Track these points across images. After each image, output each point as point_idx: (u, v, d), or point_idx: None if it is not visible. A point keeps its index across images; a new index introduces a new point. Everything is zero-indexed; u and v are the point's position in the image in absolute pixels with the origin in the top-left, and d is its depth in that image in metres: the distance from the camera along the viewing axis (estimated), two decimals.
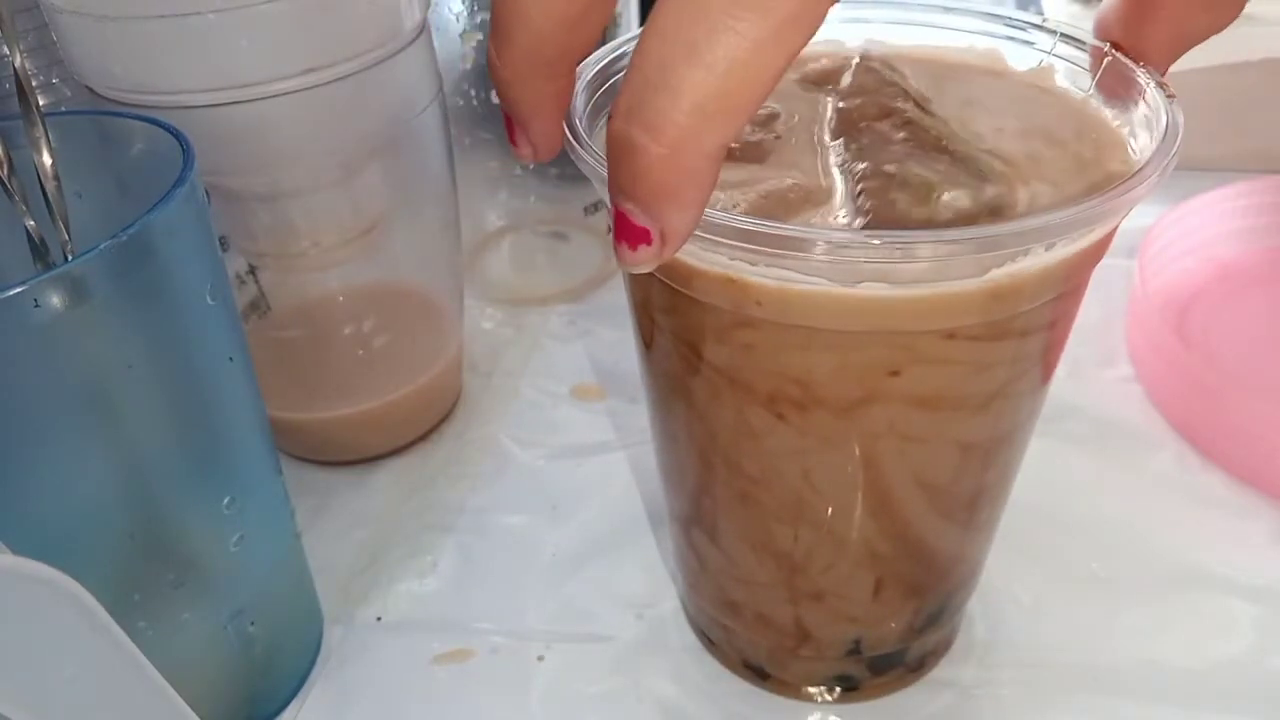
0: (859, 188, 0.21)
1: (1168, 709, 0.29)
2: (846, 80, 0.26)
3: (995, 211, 0.21)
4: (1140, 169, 0.20)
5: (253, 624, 0.28)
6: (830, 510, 0.25)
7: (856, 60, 0.26)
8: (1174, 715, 0.29)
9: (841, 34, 0.28)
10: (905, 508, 0.25)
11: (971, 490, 0.25)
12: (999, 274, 0.19)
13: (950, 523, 0.26)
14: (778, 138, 0.24)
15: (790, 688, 0.30)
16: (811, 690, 0.30)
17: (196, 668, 0.27)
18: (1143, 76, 0.23)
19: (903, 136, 0.23)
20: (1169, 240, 0.43)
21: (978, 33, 0.26)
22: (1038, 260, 0.20)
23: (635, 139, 0.16)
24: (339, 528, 0.36)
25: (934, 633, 0.29)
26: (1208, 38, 0.22)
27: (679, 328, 0.23)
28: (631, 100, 0.16)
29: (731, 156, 0.23)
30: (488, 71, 0.20)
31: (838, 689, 0.30)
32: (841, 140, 0.23)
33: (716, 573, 0.28)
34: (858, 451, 0.23)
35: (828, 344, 0.21)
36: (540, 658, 0.31)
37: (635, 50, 0.16)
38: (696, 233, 0.18)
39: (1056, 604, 0.32)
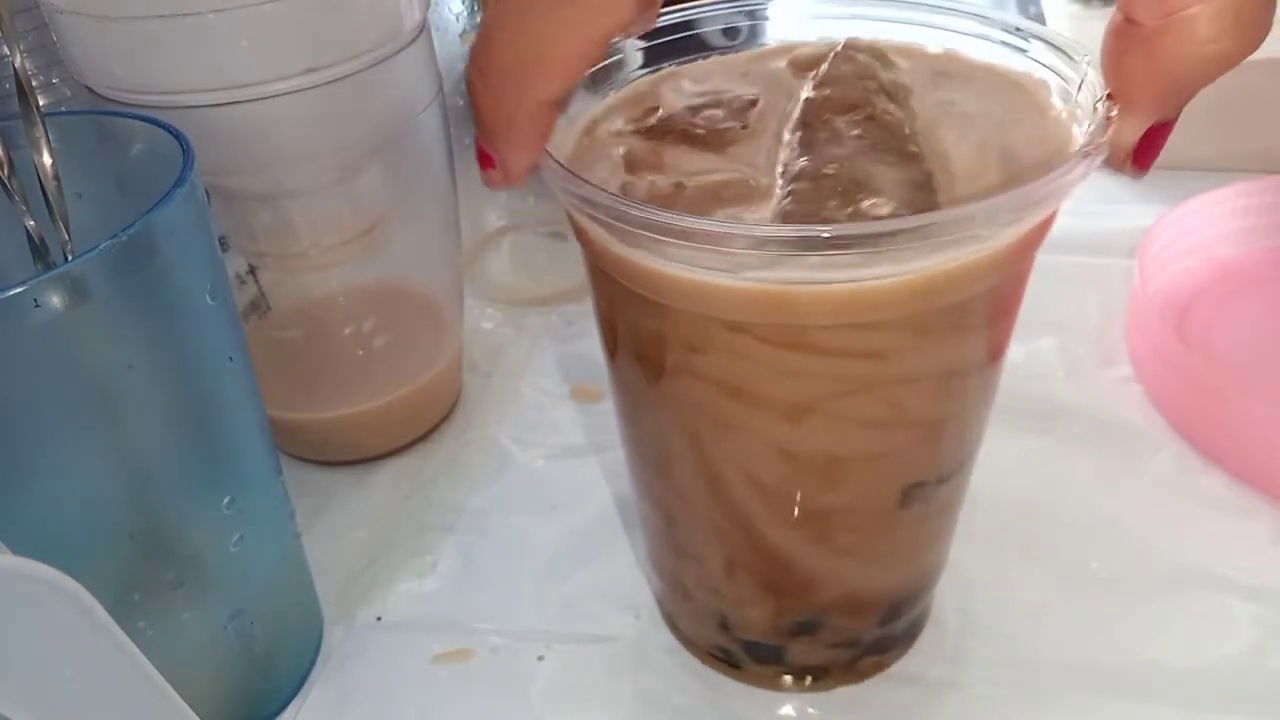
0: (789, 189, 0.22)
1: (1167, 709, 0.29)
2: (823, 68, 0.25)
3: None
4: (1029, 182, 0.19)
5: (253, 624, 0.28)
6: (682, 473, 0.26)
7: (839, 47, 0.26)
8: (1173, 715, 0.29)
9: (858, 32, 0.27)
10: (742, 503, 0.25)
11: (821, 508, 0.25)
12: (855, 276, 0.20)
13: (796, 533, 0.26)
14: (745, 127, 0.24)
15: (767, 679, 0.30)
16: (786, 679, 0.30)
17: (196, 668, 0.27)
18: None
19: (856, 134, 0.23)
20: (1169, 240, 0.43)
21: (974, 35, 0.26)
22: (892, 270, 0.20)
23: (472, 82, 0.20)
24: (339, 528, 0.36)
25: (809, 642, 0.29)
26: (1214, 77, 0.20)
27: (635, 319, 0.24)
28: (475, 49, 0.20)
29: (695, 142, 0.24)
30: (478, 107, 0.21)
31: (808, 678, 0.30)
32: (798, 134, 0.23)
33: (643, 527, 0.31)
34: (688, 424, 0.24)
35: (651, 311, 0.23)
36: (540, 658, 0.31)
37: (484, 11, 0.18)
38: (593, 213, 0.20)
39: (1056, 604, 0.32)
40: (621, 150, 0.24)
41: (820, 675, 0.30)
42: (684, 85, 0.26)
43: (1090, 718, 0.29)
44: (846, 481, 0.24)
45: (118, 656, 0.18)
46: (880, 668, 0.30)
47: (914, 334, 0.21)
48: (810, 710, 0.30)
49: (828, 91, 0.24)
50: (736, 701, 0.30)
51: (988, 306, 0.22)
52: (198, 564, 0.26)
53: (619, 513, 0.36)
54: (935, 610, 0.32)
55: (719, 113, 0.25)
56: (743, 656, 0.30)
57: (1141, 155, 0.21)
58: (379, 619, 0.33)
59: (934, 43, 0.27)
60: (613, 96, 0.27)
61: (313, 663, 0.32)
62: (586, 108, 0.26)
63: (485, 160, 0.22)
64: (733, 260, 0.19)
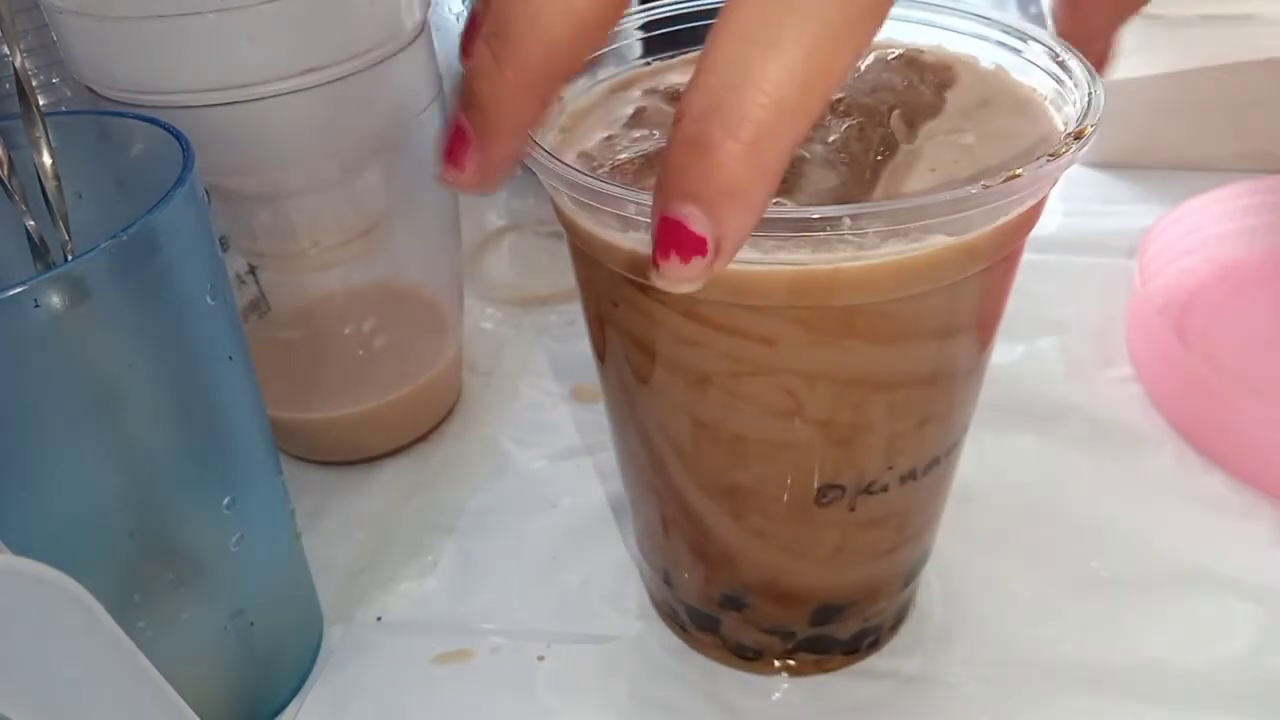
0: None
1: (1167, 709, 0.29)
2: (860, 68, 0.25)
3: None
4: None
5: (253, 624, 0.28)
6: (623, 426, 0.28)
7: (895, 53, 0.26)
8: (1173, 715, 0.29)
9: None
10: (666, 461, 0.26)
11: (732, 483, 0.26)
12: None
13: (712, 503, 0.26)
14: None
15: (708, 648, 0.31)
16: (726, 654, 0.31)
17: (196, 668, 0.27)
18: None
19: (833, 139, 0.23)
20: (1169, 240, 0.43)
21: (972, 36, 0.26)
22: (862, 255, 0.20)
23: (712, 137, 0.16)
24: (339, 528, 0.36)
25: (739, 619, 0.29)
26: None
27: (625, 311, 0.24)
28: (708, 100, 0.16)
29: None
30: (466, 80, 0.19)
31: (744, 657, 0.31)
32: None
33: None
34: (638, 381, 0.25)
35: (586, 264, 0.24)
36: (540, 658, 0.31)
37: (705, 53, 0.16)
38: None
39: (1056, 604, 0.32)
40: (631, 109, 0.25)
41: (754, 657, 0.30)
42: None
43: (1090, 717, 0.29)
44: (752, 463, 0.25)
45: (118, 656, 0.18)
46: (821, 667, 0.31)
47: (802, 328, 0.22)
48: (811, 708, 0.30)
49: (842, 94, 0.24)
50: (737, 700, 0.30)
51: (877, 324, 0.22)
52: (198, 564, 0.26)
53: (619, 512, 0.36)
54: (941, 611, 0.32)
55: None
56: (686, 619, 0.31)
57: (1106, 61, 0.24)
58: (379, 619, 0.33)
59: (988, 59, 0.26)
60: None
61: (313, 663, 0.32)
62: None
63: (457, 158, 0.19)
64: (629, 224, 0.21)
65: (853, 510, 0.26)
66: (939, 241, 0.20)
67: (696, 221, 0.16)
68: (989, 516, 0.33)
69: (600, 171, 0.23)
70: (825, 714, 0.29)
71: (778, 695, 0.30)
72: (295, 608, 0.31)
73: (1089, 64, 0.23)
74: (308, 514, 0.36)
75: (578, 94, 0.27)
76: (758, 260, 0.20)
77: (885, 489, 0.26)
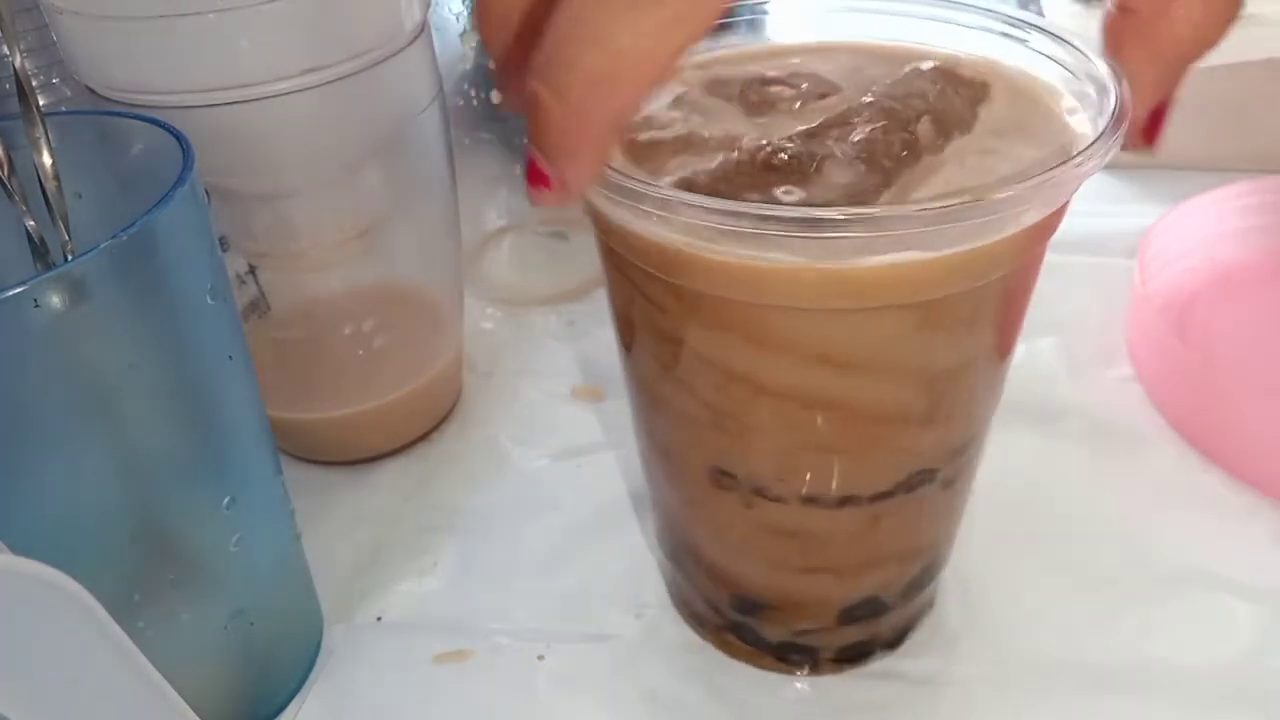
0: (727, 155, 0.23)
1: (1167, 709, 0.29)
2: (900, 74, 0.25)
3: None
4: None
5: (253, 624, 0.28)
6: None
7: (931, 62, 0.26)
8: (1173, 715, 0.29)
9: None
10: (685, 444, 0.26)
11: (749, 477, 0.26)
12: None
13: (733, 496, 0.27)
14: (799, 104, 0.25)
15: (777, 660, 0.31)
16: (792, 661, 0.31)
17: (196, 668, 0.27)
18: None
19: (855, 139, 0.23)
20: (1169, 240, 0.43)
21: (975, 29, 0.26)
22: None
23: (542, 98, 0.18)
24: (339, 528, 0.36)
25: (756, 614, 0.30)
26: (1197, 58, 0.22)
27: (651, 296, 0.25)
28: (543, 64, 0.18)
29: (744, 104, 0.25)
30: (547, 124, 0.19)
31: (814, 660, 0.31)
32: (816, 123, 0.24)
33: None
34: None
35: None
36: (540, 657, 0.31)
37: (551, 21, 0.18)
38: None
39: (1056, 604, 0.32)
40: (676, 92, 0.26)
41: (769, 653, 0.31)
42: (787, 60, 0.27)
43: (1090, 717, 0.29)
44: (771, 460, 0.25)
45: (118, 656, 0.18)
46: (835, 668, 0.31)
47: (817, 327, 0.22)
48: (812, 707, 0.30)
49: (869, 99, 0.24)
50: (738, 699, 0.30)
51: (888, 328, 0.22)
52: (198, 564, 0.26)
53: (619, 512, 0.36)
54: (935, 608, 0.32)
55: (784, 89, 0.26)
56: (703, 613, 0.31)
57: (1152, 131, 0.23)
58: (379, 619, 0.33)
59: (1022, 70, 0.26)
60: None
61: (313, 663, 0.32)
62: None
63: (539, 179, 0.20)
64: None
65: (873, 510, 0.26)
66: (950, 248, 0.20)
67: (542, 164, 0.19)
68: (988, 515, 0.33)
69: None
70: (834, 713, 0.29)
71: (785, 693, 0.30)
72: (295, 608, 0.31)
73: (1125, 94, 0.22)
74: (308, 514, 0.36)
75: None
76: (757, 257, 0.20)
77: (909, 490, 0.26)
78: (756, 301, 0.22)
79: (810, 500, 0.25)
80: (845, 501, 0.25)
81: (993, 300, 0.23)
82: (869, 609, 0.29)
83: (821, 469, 0.25)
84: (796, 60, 0.27)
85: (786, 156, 0.22)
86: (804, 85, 0.26)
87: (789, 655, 0.30)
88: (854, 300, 0.21)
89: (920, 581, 0.30)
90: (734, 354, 0.23)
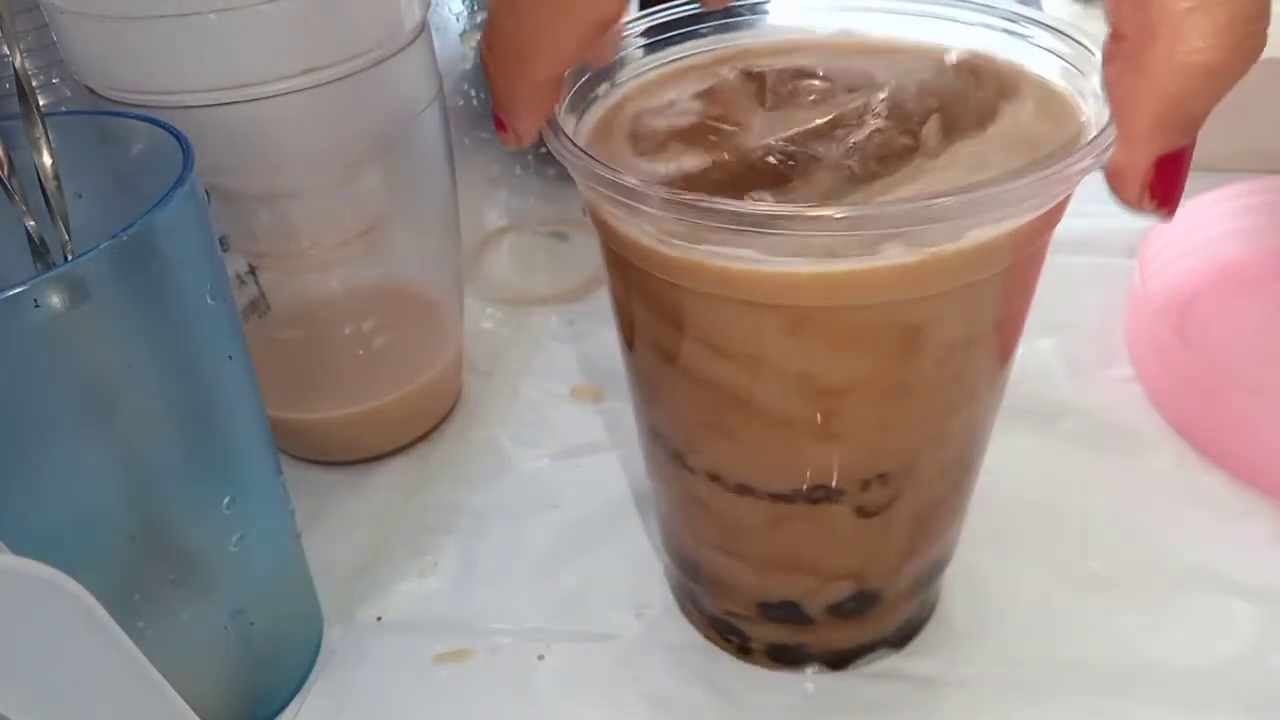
0: (720, 154, 0.23)
1: (1166, 709, 0.29)
2: (920, 68, 0.25)
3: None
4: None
5: (253, 624, 0.28)
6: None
7: (956, 58, 0.25)
8: (1173, 715, 0.29)
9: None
10: (686, 441, 0.26)
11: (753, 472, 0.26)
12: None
13: (734, 493, 0.27)
14: (815, 101, 0.25)
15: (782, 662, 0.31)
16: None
17: (196, 668, 0.27)
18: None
19: (855, 139, 0.23)
20: (1169, 240, 0.43)
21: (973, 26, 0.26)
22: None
23: (488, 67, 0.23)
24: (339, 528, 0.36)
25: (757, 611, 0.29)
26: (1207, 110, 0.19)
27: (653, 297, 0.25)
28: (484, 29, 0.22)
29: (759, 98, 0.26)
30: (490, 81, 0.23)
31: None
32: (825, 119, 0.24)
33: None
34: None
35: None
36: (540, 657, 0.31)
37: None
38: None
39: (1056, 603, 0.32)
40: (709, 82, 0.26)
41: (769, 652, 0.31)
42: (810, 57, 0.27)
43: (1089, 717, 0.29)
44: (774, 458, 0.25)
45: (118, 656, 0.18)
46: (837, 666, 0.31)
47: (813, 325, 0.22)
48: (815, 708, 0.30)
49: (882, 95, 0.24)
50: (738, 698, 0.30)
51: (877, 325, 0.22)
52: (198, 564, 0.26)
53: (619, 512, 0.36)
54: (939, 608, 0.32)
55: (801, 84, 0.26)
56: (706, 610, 0.31)
57: (1159, 190, 0.20)
58: (379, 619, 0.33)
59: (1053, 74, 0.25)
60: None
61: (313, 663, 0.32)
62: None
63: (499, 123, 0.24)
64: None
65: (873, 507, 0.26)
66: (933, 249, 0.20)
67: (499, 113, 0.23)
68: (988, 516, 0.33)
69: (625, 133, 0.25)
70: (837, 713, 0.29)
71: (788, 693, 0.30)
72: (295, 608, 0.31)
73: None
74: (308, 514, 0.36)
75: (671, 59, 0.28)
76: (763, 260, 0.20)
77: (909, 486, 0.26)
78: (743, 299, 0.22)
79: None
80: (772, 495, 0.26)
81: (992, 299, 0.23)
82: (789, 613, 0.29)
83: (823, 464, 0.25)
84: (838, 55, 0.27)
85: (772, 160, 0.23)
86: (837, 80, 0.26)
87: (728, 635, 0.31)
88: (826, 299, 0.21)
89: (931, 576, 0.30)
90: (726, 343, 0.23)
